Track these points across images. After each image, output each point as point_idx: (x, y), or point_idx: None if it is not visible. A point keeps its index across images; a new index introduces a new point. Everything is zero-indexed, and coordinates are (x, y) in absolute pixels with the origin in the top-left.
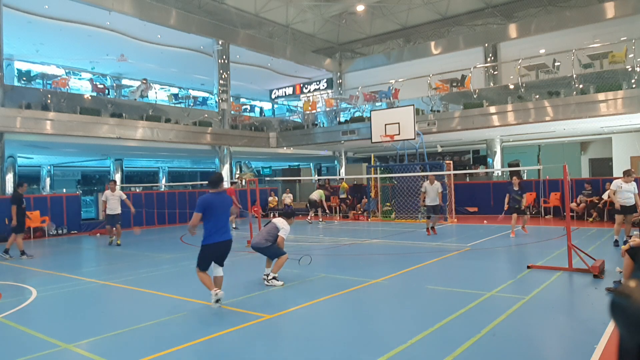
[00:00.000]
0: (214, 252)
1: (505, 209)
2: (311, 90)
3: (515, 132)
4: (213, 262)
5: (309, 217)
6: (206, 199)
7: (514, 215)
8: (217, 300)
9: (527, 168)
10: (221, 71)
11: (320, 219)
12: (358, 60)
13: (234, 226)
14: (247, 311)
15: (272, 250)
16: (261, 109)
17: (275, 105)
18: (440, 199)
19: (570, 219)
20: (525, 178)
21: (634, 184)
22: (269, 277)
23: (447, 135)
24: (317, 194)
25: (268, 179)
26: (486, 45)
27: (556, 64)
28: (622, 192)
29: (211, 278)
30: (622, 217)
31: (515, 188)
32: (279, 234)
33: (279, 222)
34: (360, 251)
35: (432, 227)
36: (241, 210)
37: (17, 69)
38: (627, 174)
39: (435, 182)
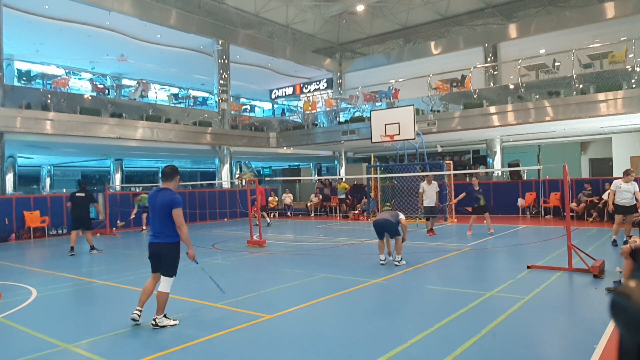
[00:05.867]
0: (149, 251)
1: (455, 202)
2: (311, 90)
3: (515, 132)
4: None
5: None
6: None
7: (474, 216)
8: (137, 316)
9: (527, 168)
10: (221, 71)
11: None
12: (358, 60)
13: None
14: (247, 311)
15: (395, 227)
16: (283, 109)
17: (276, 105)
18: (438, 200)
19: (570, 219)
20: (525, 178)
21: (634, 183)
22: (397, 259)
23: (447, 135)
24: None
25: (268, 179)
26: (486, 45)
27: (556, 64)
28: (621, 192)
29: (149, 292)
30: (622, 217)
31: (476, 188)
32: (400, 218)
33: (399, 214)
34: (360, 251)
35: (431, 229)
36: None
37: (17, 69)
38: (626, 173)
39: (433, 182)
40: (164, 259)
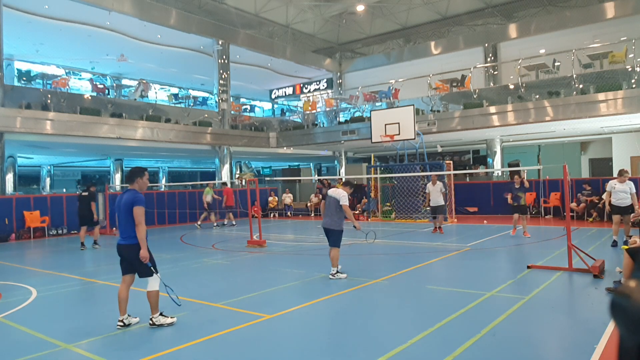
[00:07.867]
0: (118, 254)
1: (510, 201)
2: (311, 90)
3: (515, 132)
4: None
5: (198, 222)
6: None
7: (516, 215)
8: (122, 326)
9: (527, 168)
10: (221, 71)
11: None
12: (358, 60)
13: None
14: (247, 311)
15: (335, 236)
16: (283, 109)
17: (276, 105)
18: (444, 198)
19: (570, 219)
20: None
21: (630, 183)
22: (331, 272)
23: (447, 135)
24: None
25: (268, 179)
26: (486, 45)
27: (556, 64)
28: (616, 192)
29: (125, 297)
30: (619, 217)
31: (517, 186)
32: (340, 203)
33: (336, 192)
34: (360, 251)
35: (439, 227)
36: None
37: (17, 69)
38: (620, 174)
39: (438, 182)
40: (134, 261)
